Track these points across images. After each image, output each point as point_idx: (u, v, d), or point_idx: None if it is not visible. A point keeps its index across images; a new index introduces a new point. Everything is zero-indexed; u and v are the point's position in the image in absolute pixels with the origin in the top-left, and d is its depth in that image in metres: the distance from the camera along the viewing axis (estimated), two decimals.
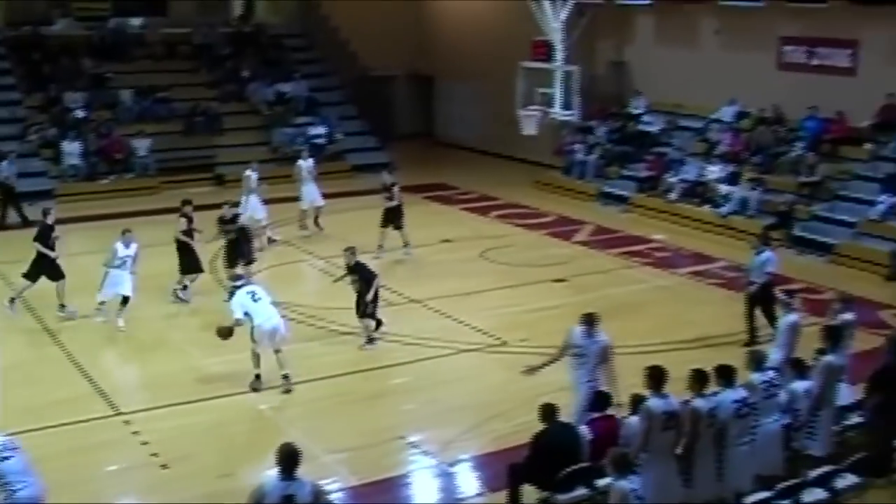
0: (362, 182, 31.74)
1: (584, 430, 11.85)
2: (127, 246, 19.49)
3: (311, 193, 25.98)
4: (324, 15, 39.19)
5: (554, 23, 26.80)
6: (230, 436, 14.84)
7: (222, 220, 21.52)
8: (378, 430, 14.95)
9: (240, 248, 20.89)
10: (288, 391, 16.18)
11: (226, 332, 16.26)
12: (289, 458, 9.40)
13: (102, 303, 19.50)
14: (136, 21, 36.98)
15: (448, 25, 39.85)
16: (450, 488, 13.60)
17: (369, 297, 18.27)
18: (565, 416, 12.29)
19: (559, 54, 26.77)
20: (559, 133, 32.82)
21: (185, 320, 19.66)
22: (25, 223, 26.84)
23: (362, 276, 18.42)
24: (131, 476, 13.81)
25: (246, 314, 16.06)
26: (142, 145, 31.62)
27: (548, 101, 26.61)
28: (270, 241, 24.69)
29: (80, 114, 32.21)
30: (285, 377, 16.27)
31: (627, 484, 10.07)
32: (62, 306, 19.93)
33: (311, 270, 23.45)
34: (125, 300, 19.28)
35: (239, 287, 16.60)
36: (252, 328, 16.09)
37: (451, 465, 14.04)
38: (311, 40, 39.32)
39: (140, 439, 14.55)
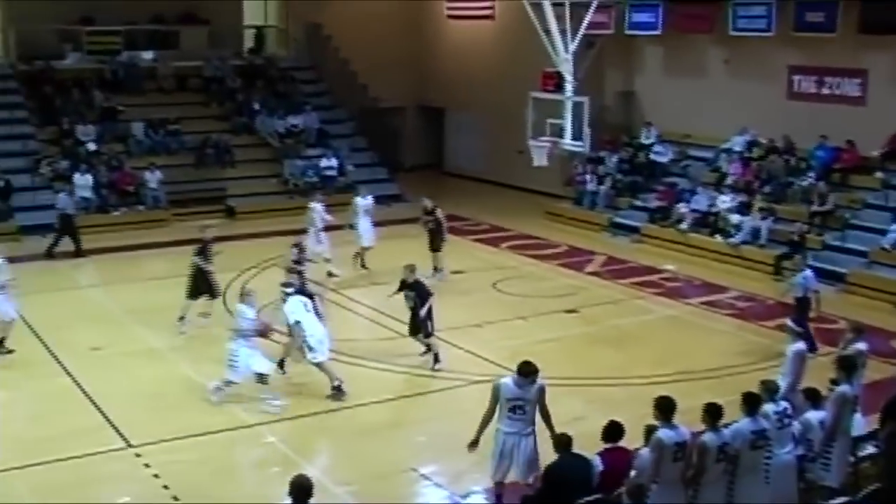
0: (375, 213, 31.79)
1: (595, 460, 11.79)
2: (252, 307, 16.96)
3: (363, 231, 25.63)
4: (334, 47, 39.36)
5: (563, 54, 26.84)
6: (241, 467, 14.82)
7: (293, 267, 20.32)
8: (389, 462, 14.90)
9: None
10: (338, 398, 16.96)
11: (264, 330, 16.45)
12: (301, 490, 9.36)
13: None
14: (147, 55, 37.11)
15: (457, 57, 39.94)
16: None
17: (423, 312, 18.76)
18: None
19: (569, 85, 26.80)
20: (569, 164, 32.85)
21: (196, 352, 19.59)
22: (79, 253, 27.26)
23: (419, 294, 18.88)
24: None
25: (297, 323, 16.68)
26: (153, 178, 31.68)
27: (558, 132, 26.62)
28: (330, 274, 24.77)
29: (91, 147, 32.31)
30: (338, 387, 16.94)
31: None
32: (204, 314, 20.97)
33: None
34: (261, 377, 16.87)
35: (291, 294, 17.35)
36: (304, 339, 16.74)
37: (463, 496, 13.99)
38: (321, 72, 39.47)
39: (151, 472, 14.51)
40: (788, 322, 16.05)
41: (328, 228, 25.23)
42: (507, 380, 12.59)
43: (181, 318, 20.77)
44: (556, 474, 11.59)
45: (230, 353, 16.55)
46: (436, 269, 24.58)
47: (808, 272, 20.01)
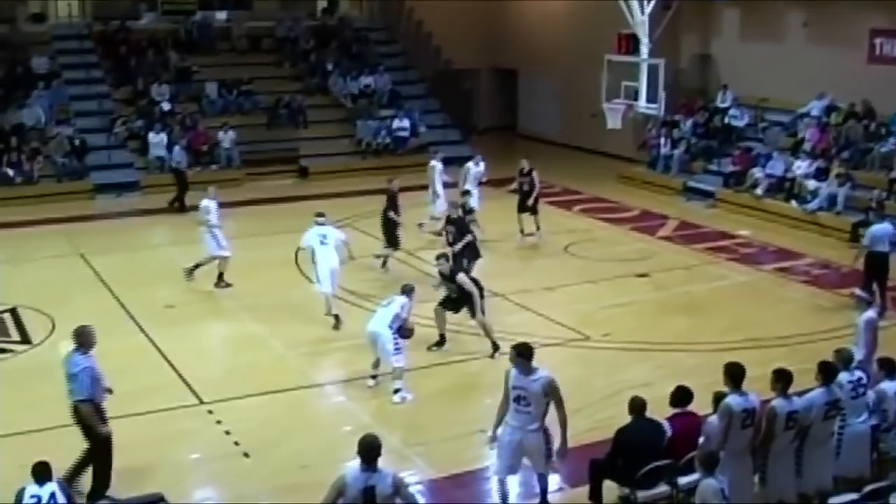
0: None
1: (664, 425, 11.70)
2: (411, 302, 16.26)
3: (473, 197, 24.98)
4: (408, 8, 39.26)
5: (639, 16, 26.53)
6: (311, 426, 14.91)
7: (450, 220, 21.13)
8: (458, 424, 14.91)
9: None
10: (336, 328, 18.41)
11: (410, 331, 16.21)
12: (370, 449, 9.39)
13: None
14: (220, 15, 37.37)
15: (532, 19, 39.67)
16: (530, 483, 13.52)
17: (458, 247, 19.95)
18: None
19: (644, 48, 26.51)
20: (643, 127, 32.57)
21: (266, 313, 19.71)
22: (182, 209, 27.72)
23: (458, 229, 20.30)
24: (214, 464, 13.91)
25: (312, 251, 18.74)
26: (226, 137, 31.89)
27: (633, 95, 26.36)
28: (420, 225, 25.15)
29: (165, 106, 32.61)
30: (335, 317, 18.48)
31: (716, 483, 9.97)
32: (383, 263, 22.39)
33: (396, 264, 23.22)
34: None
35: (319, 224, 19.01)
36: (315, 267, 18.74)
37: None
38: (395, 33, 39.45)
39: (223, 428, 14.68)
40: (857, 291, 15.70)
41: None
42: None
43: (384, 264, 22.33)
44: (628, 438, 11.56)
45: (392, 342, 15.57)
46: (527, 231, 25.12)
47: (874, 227, 20.02)
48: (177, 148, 29.47)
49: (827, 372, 11.53)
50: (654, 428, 11.66)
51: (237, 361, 17.45)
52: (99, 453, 12.42)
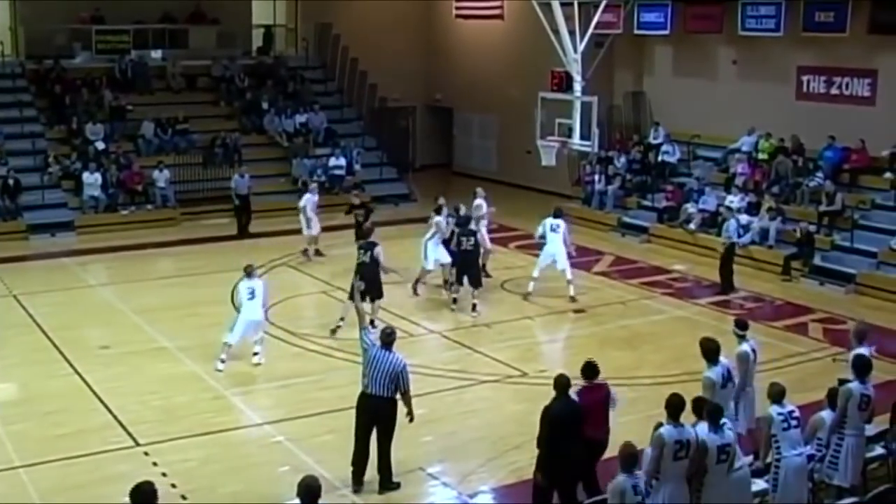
0: (381, 213, 31.68)
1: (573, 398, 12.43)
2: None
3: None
4: (343, 47, 39.32)
5: (572, 53, 26.79)
6: (249, 467, 14.80)
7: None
8: (397, 462, 14.82)
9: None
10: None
11: None
12: (309, 492, 9.38)
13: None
14: (156, 54, 37.15)
15: (466, 57, 39.94)
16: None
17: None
18: None
19: (577, 85, 26.75)
20: (578, 163, 32.81)
21: (202, 353, 19.58)
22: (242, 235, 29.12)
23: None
24: None
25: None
26: (161, 177, 31.68)
27: (566, 132, 26.55)
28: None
29: (100, 145, 32.33)
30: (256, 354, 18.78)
31: (629, 480, 10.36)
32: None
33: (333, 301, 23.23)
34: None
35: (248, 276, 18.84)
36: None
37: (471, 496, 13.98)
38: (330, 72, 39.48)
39: (159, 470, 14.49)
40: (734, 328, 15.17)
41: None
42: None
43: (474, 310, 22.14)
44: (554, 414, 12.27)
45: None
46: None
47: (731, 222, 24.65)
48: (236, 176, 30.46)
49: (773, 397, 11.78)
50: (574, 407, 12.36)
51: (173, 402, 17.28)
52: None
